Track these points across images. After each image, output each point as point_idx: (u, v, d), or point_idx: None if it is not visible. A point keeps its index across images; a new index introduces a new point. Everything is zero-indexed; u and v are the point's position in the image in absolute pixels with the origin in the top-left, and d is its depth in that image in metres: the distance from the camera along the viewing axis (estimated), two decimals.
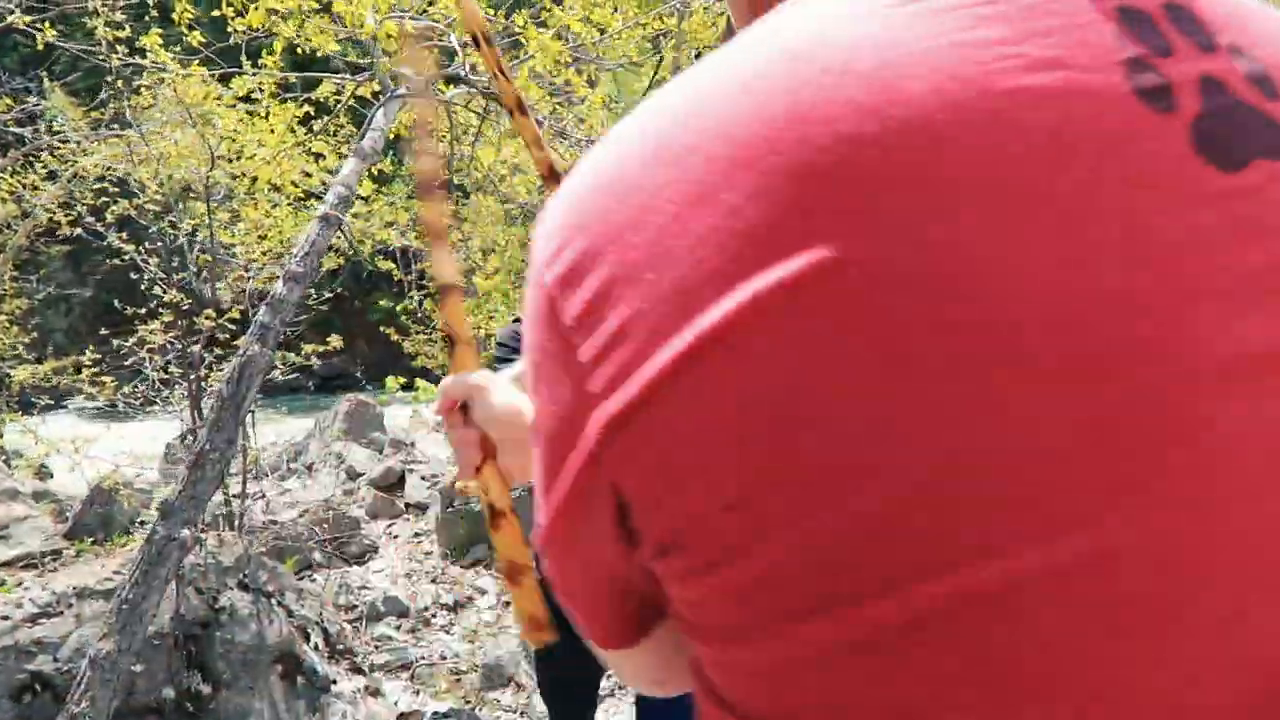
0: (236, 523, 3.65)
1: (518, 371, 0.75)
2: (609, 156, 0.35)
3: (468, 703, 3.23)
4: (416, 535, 5.20)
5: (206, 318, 3.28)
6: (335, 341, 4.15)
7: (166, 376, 3.96)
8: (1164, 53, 0.32)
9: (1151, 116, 0.31)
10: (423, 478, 5.76)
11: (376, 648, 3.75)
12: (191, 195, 4.50)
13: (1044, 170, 0.29)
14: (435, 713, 2.79)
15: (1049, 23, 0.31)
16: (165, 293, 3.70)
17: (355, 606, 4.16)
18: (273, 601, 3.00)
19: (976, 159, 0.29)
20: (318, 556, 4.66)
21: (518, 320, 1.92)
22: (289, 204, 5.42)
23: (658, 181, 0.32)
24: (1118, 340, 0.28)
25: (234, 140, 4.19)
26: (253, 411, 3.34)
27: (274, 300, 2.91)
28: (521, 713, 3.14)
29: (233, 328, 3.57)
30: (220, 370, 3.89)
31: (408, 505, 5.62)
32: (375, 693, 3.13)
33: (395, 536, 5.23)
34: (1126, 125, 0.30)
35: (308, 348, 3.97)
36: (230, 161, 4.25)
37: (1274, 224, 0.30)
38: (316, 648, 3.04)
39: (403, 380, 6.43)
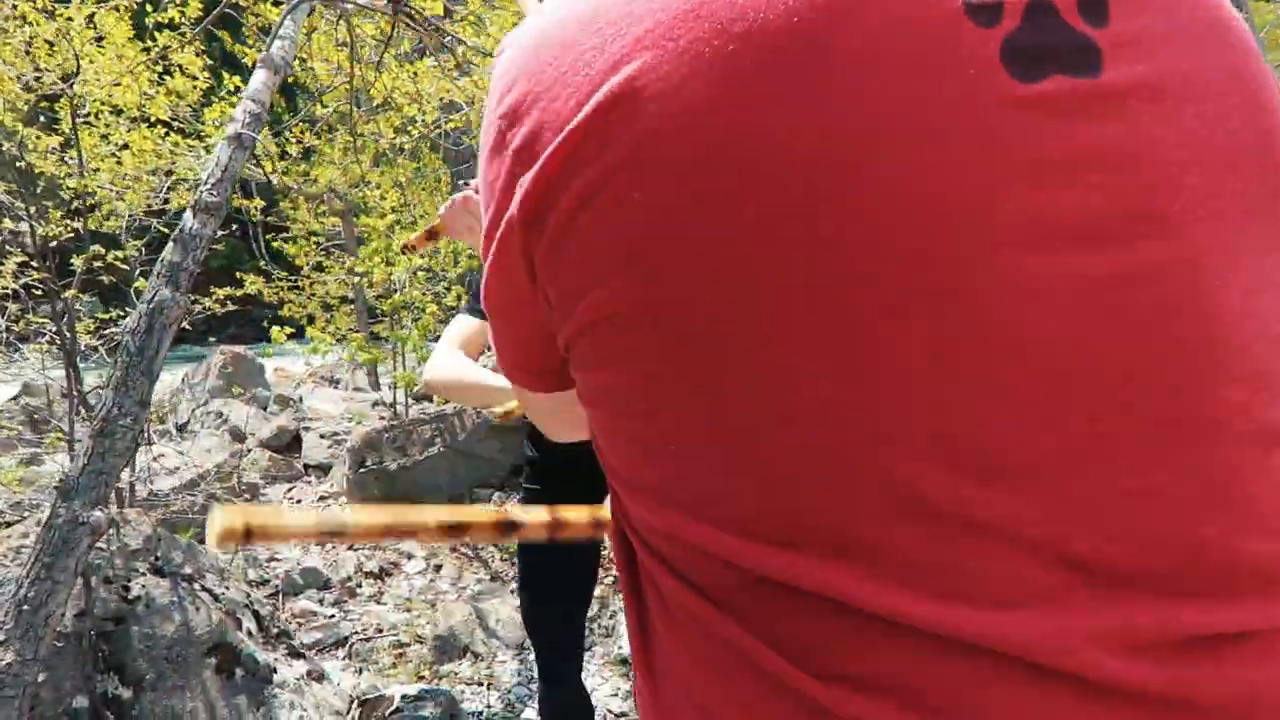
0: (128, 497, 3.16)
1: None
2: (545, 25, 0.44)
3: (422, 678, 2.97)
4: (323, 499, 4.77)
5: (91, 257, 2.73)
6: (253, 284, 3.64)
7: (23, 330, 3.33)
8: None
9: (972, 30, 0.37)
10: (321, 436, 5.28)
11: (301, 625, 3.40)
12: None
13: (867, 59, 0.36)
14: (405, 695, 2.52)
15: None
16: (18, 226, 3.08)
17: (268, 581, 3.76)
18: (195, 586, 2.61)
19: (818, 27, 0.36)
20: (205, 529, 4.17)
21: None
22: (147, 128, 4.72)
23: (580, 43, 0.41)
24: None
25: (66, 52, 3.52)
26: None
27: (184, 235, 2.46)
28: (486, 684, 2.92)
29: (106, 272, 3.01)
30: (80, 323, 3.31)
31: (307, 467, 5.15)
32: (320, 677, 2.81)
33: (298, 502, 4.78)
34: (946, 33, 0.36)
35: (220, 291, 3.44)
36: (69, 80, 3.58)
37: (1051, 129, 0.36)
38: (250, 634, 2.68)
39: (290, 330, 5.86)
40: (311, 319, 10.63)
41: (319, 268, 11.28)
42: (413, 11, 3.90)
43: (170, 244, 2.46)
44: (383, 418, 5.65)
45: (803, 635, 0.38)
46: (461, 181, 8.78)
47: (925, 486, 0.35)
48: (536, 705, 1.86)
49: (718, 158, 0.36)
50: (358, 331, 8.67)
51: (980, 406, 0.35)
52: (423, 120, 5.61)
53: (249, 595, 2.86)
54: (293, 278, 11.11)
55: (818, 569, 0.37)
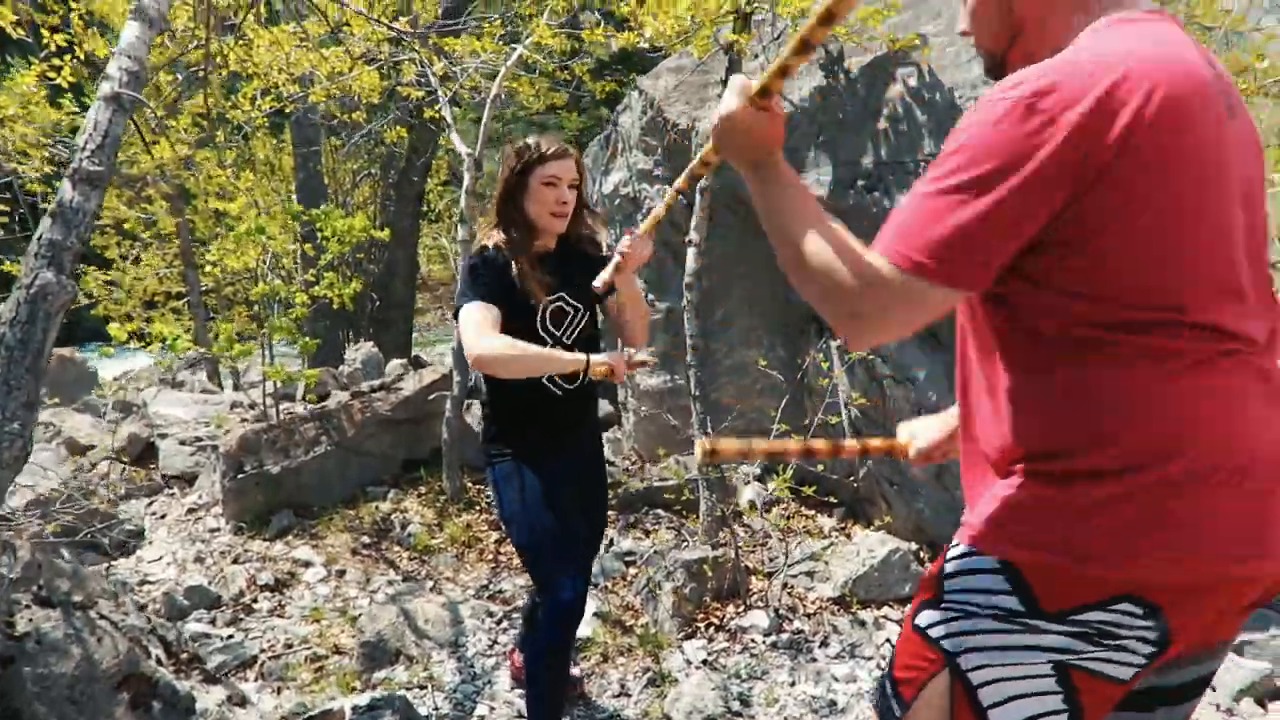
0: None
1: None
2: (1062, 63, 0.96)
3: (354, 689, 2.75)
4: (191, 511, 4.30)
5: None
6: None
7: None
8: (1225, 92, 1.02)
9: (1224, 115, 1.00)
10: (181, 443, 4.76)
11: (199, 649, 3.05)
12: None
13: (1209, 117, 0.98)
14: (356, 708, 2.32)
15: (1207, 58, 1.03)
16: None
17: (145, 606, 3.34)
18: (91, 614, 2.27)
19: (1201, 101, 0.97)
20: (65, 555, 3.66)
21: (474, 255, 2.09)
22: None
23: (1084, 76, 0.93)
24: (1224, 183, 0.99)
25: None
26: None
27: (64, 209, 2.13)
28: (429, 687, 2.75)
29: None
30: None
31: (167, 478, 4.62)
32: (241, 702, 2.54)
33: (162, 517, 4.28)
34: (1222, 117, 1.00)
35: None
36: None
37: (1242, 143, 1.03)
38: (159, 661, 2.37)
39: (131, 328, 5.23)
40: (130, 317, 9.53)
41: (136, 260, 10.15)
42: None
43: (47, 220, 2.11)
44: (245, 419, 5.18)
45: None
46: (312, 164, 8.14)
47: (1236, 282, 1.00)
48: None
49: (1170, 143, 0.94)
50: (198, 326, 7.88)
51: (1235, 257, 1.01)
52: (281, 93, 5.15)
53: (150, 620, 2.53)
54: (104, 271, 9.92)
55: (1213, 313, 0.98)
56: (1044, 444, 1.01)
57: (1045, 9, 1.06)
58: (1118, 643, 0.97)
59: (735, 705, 2.53)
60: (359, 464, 4.47)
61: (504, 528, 2.27)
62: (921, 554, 3.37)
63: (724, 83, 3.72)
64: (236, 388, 7.15)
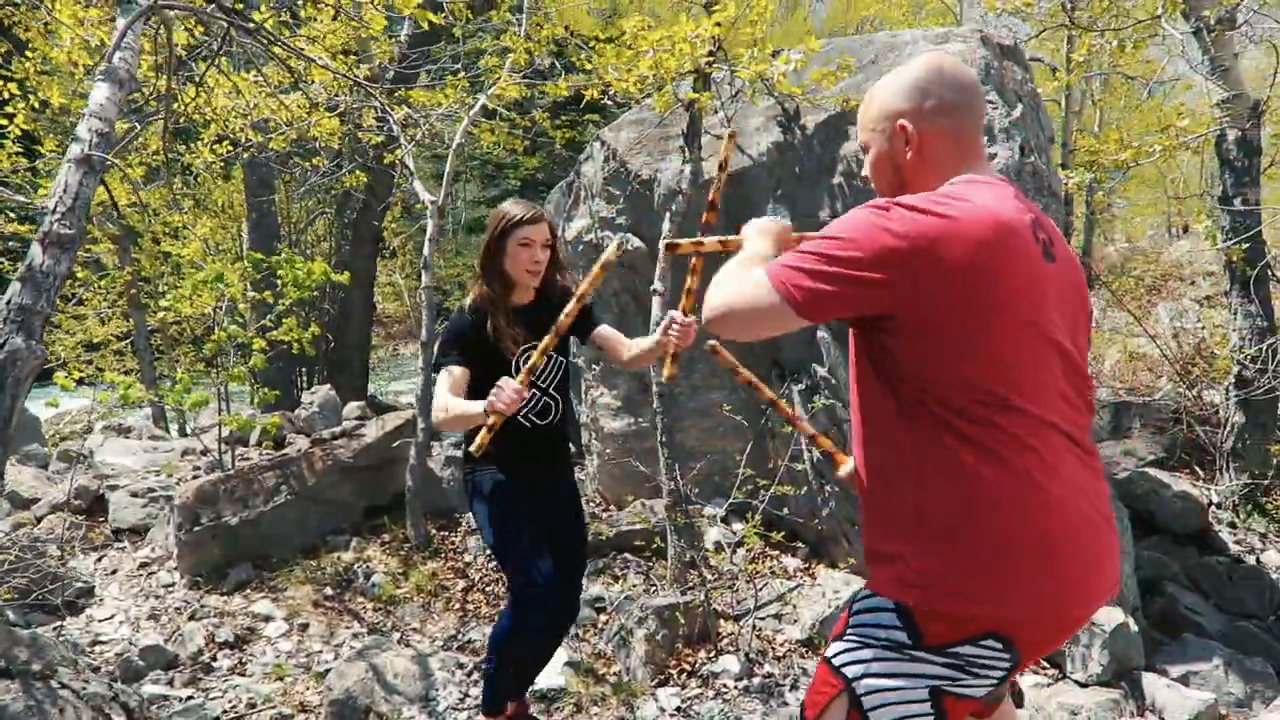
0: None
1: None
2: (923, 199, 1.31)
3: None
4: (144, 566, 4.18)
5: None
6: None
7: None
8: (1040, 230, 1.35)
9: (1041, 254, 1.32)
10: (133, 494, 4.63)
11: (158, 711, 2.97)
12: None
13: (1026, 253, 1.29)
14: None
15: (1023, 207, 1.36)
16: None
17: (98, 669, 3.24)
18: (51, 684, 2.21)
19: (1015, 244, 1.28)
20: (10, 615, 3.53)
21: (453, 316, 2.38)
22: None
23: (934, 211, 1.28)
24: (1036, 306, 1.29)
25: None
26: None
27: (34, 274, 2.11)
28: None
29: None
30: None
31: (118, 531, 4.48)
32: None
33: (113, 572, 4.15)
34: (1038, 253, 1.32)
35: None
36: None
37: (1055, 274, 1.34)
38: None
39: (77, 374, 5.11)
40: (63, 363, 9.23)
41: (80, 301, 9.85)
42: (250, 22, 3.60)
43: (16, 284, 2.10)
44: (197, 468, 5.07)
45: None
46: (266, 202, 8.06)
47: (1062, 389, 1.33)
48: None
49: (984, 267, 1.24)
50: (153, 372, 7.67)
51: (1055, 368, 1.33)
52: (241, 139, 5.14)
53: (112, 686, 2.46)
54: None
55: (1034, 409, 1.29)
56: (915, 509, 1.29)
57: (922, 174, 1.42)
58: (982, 670, 1.27)
59: None
60: (319, 513, 4.41)
61: (479, 533, 2.62)
62: None
63: (684, 135, 3.84)
64: (183, 433, 6.97)
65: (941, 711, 1.27)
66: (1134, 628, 2.94)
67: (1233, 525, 4.76)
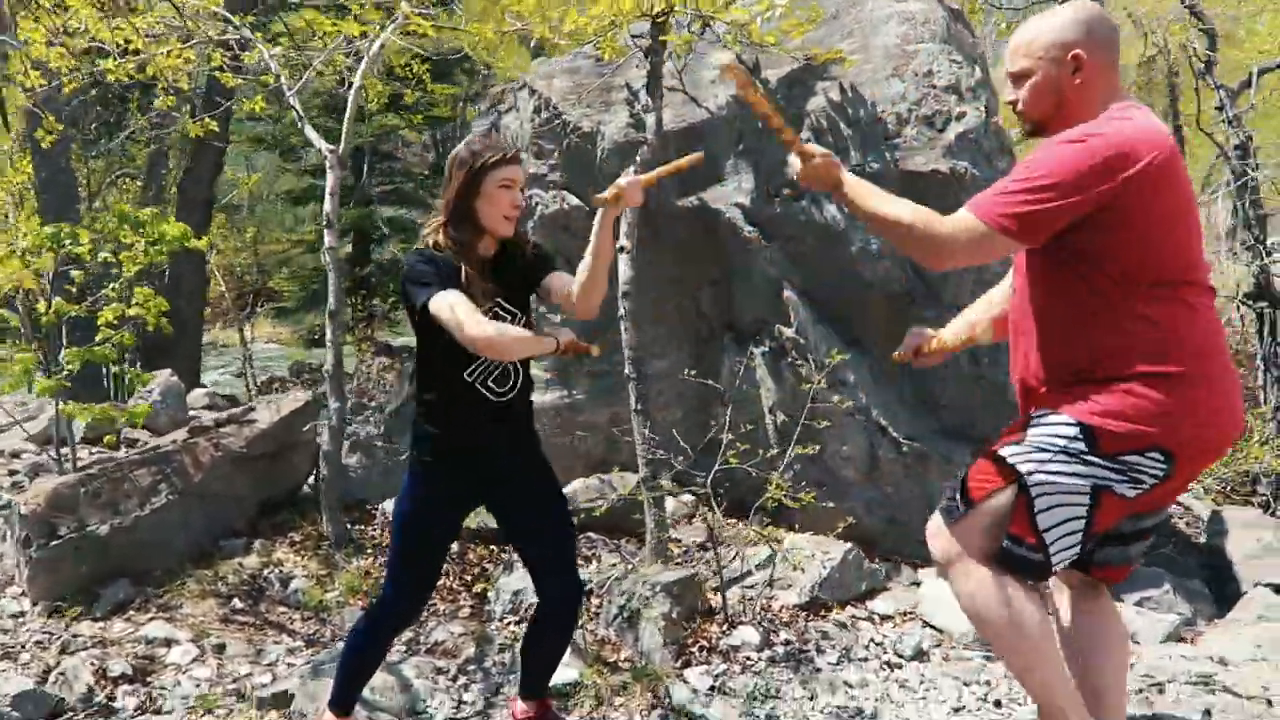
0: None
1: None
2: (1104, 126, 1.59)
3: None
4: None
5: None
6: None
7: None
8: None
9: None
10: None
11: None
12: None
13: (1180, 165, 1.60)
14: None
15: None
16: None
17: None
18: None
19: (1177, 149, 1.60)
20: None
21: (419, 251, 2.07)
22: None
23: (1118, 135, 1.58)
24: (1193, 196, 1.65)
25: None
26: None
27: None
28: None
29: None
30: None
31: None
32: None
33: None
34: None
35: None
36: None
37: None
38: None
39: None
40: None
41: None
42: None
43: None
44: (41, 470, 4.13)
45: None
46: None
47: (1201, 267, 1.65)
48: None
49: (1169, 169, 1.55)
50: None
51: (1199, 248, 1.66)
52: (61, 68, 4.21)
53: None
54: None
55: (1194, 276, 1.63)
56: (1108, 351, 1.57)
57: (1085, 99, 1.64)
58: (1140, 476, 1.55)
59: None
60: (208, 511, 3.73)
61: (391, 518, 2.40)
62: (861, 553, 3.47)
63: (646, 84, 3.60)
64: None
65: (1097, 503, 1.56)
66: None
67: None
